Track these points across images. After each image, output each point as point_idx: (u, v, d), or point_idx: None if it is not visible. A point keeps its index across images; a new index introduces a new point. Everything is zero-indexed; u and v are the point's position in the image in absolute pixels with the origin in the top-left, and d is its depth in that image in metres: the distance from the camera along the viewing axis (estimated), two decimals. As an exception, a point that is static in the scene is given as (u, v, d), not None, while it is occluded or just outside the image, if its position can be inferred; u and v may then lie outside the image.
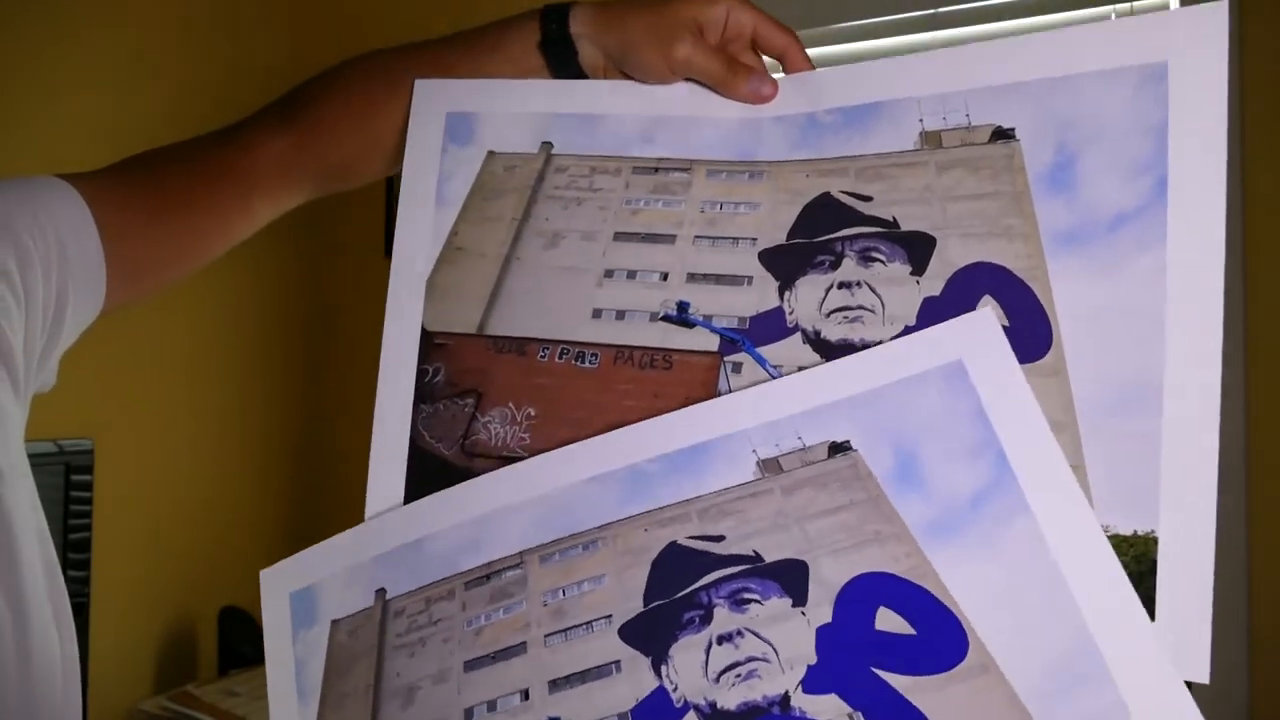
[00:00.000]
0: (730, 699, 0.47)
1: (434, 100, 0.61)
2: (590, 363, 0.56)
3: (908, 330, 0.50)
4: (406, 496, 0.57)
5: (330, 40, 1.87)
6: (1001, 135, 0.50)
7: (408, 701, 0.54)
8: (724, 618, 0.48)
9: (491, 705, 0.52)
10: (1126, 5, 1.36)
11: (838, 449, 0.48)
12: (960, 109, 0.51)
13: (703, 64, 0.55)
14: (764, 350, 0.53)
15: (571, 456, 0.53)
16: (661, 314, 0.55)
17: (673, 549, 0.50)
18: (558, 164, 0.59)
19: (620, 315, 0.56)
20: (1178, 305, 0.44)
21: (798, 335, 0.53)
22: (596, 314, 0.56)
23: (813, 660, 0.46)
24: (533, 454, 0.55)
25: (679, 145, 0.57)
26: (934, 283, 0.50)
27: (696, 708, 0.48)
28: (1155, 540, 0.44)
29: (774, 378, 0.52)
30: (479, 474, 0.56)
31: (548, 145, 0.59)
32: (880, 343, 0.51)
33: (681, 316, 0.55)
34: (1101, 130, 0.47)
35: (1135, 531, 0.45)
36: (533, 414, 0.56)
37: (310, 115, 0.64)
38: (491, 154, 0.60)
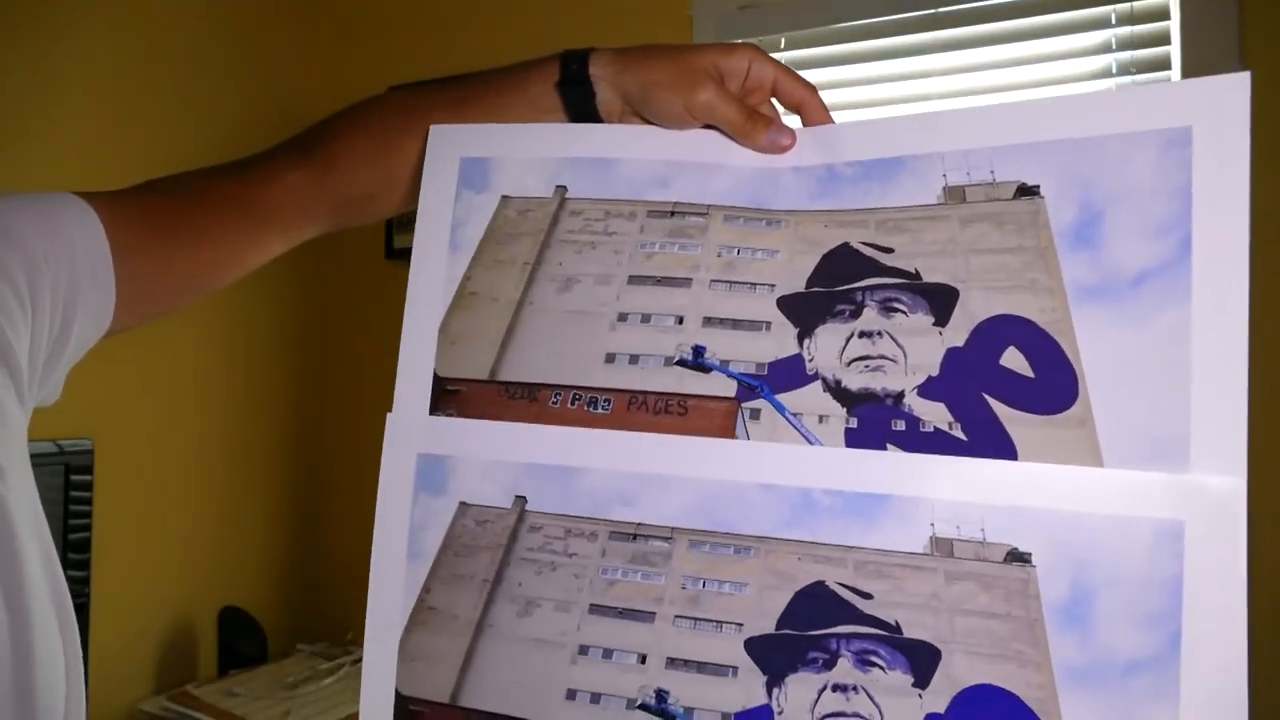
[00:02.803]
0: None
1: (449, 146, 0.60)
2: (603, 409, 0.54)
3: (931, 382, 0.50)
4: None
5: (336, 63, 1.91)
6: (1026, 192, 0.50)
7: (524, 612, 0.54)
8: (845, 670, 0.49)
9: (607, 653, 0.52)
10: (1126, 6, 1.37)
11: (1017, 557, 0.47)
12: (985, 165, 0.51)
13: (724, 110, 0.55)
14: (783, 397, 0.52)
15: (749, 454, 0.52)
16: (677, 358, 0.54)
17: (819, 588, 0.50)
18: (572, 208, 0.58)
19: (634, 360, 0.55)
20: (1203, 360, 0.45)
21: (818, 383, 0.52)
22: (610, 358, 0.55)
23: None
24: None
25: (695, 191, 0.57)
26: (957, 334, 0.50)
27: None
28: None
29: (793, 425, 0.51)
30: (484, 521, 0.54)
31: (562, 189, 0.59)
32: (902, 393, 0.50)
33: (698, 361, 0.54)
34: (1125, 191, 0.48)
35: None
36: None
37: (329, 151, 0.64)
38: (505, 199, 0.59)
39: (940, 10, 1.45)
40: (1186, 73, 1.29)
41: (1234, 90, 0.45)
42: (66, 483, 1.34)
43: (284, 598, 1.88)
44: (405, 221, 1.80)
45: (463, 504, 0.55)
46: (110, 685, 1.50)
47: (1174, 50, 1.34)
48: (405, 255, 1.80)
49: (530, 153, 0.59)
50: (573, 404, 0.55)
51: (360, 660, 1.84)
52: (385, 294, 1.87)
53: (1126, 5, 1.37)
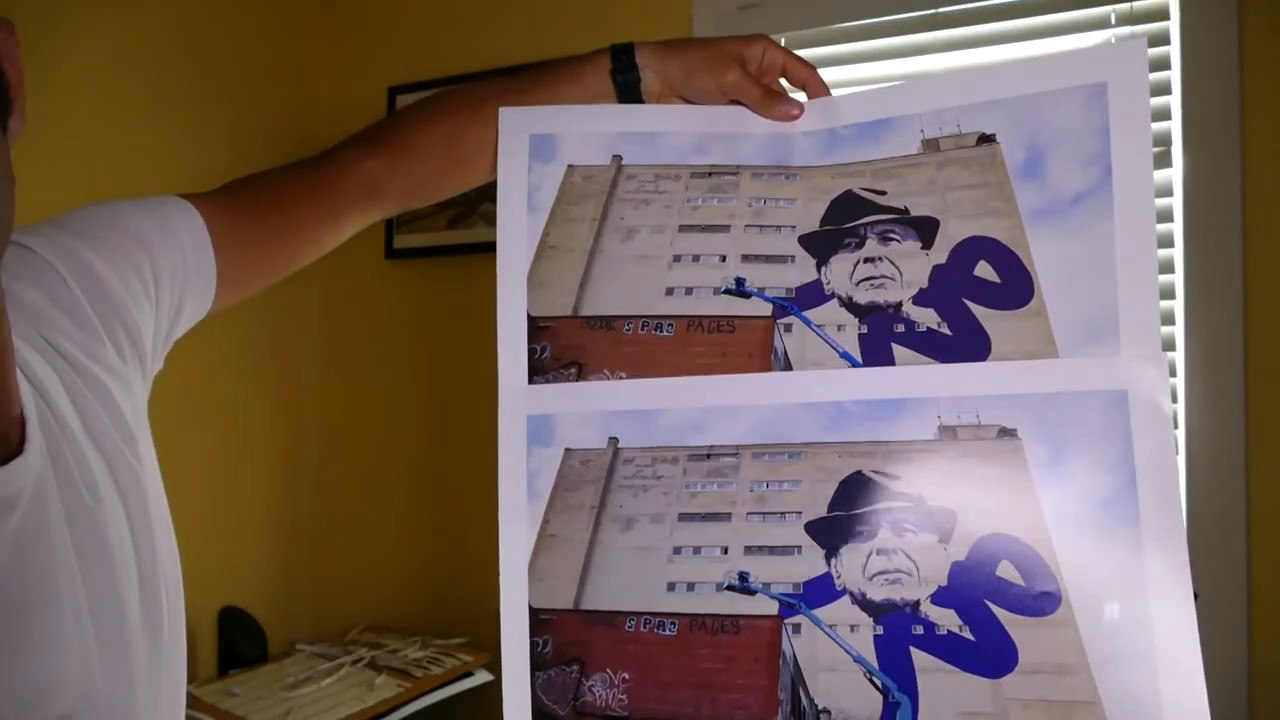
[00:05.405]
0: (877, 594, 0.62)
1: (518, 124, 0.74)
2: (668, 331, 0.69)
3: (922, 293, 0.65)
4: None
5: (339, 68, 1.88)
6: (986, 140, 0.65)
7: (626, 528, 0.68)
8: (885, 537, 0.63)
9: (696, 549, 0.66)
10: (1126, 6, 1.37)
11: (1006, 432, 0.61)
12: (953, 121, 0.66)
13: (747, 89, 0.69)
14: (809, 313, 0.67)
15: (792, 383, 0.66)
16: (723, 288, 0.69)
17: (858, 476, 0.64)
18: (628, 173, 0.72)
19: (689, 291, 0.69)
20: (1124, 260, 0.60)
21: (834, 300, 0.67)
22: (669, 291, 0.70)
23: (944, 583, 0.61)
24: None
25: (727, 154, 0.71)
26: (940, 254, 0.65)
27: (851, 594, 0.63)
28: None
29: (818, 334, 0.66)
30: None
31: (618, 158, 0.73)
32: (900, 303, 0.65)
33: (740, 289, 0.69)
34: (1061, 133, 0.62)
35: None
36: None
37: (401, 139, 0.76)
38: (571, 167, 0.73)
39: (940, 10, 1.47)
40: (1186, 74, 1.34)
41: (1134, 51, 0.60)
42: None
43: (284, 598, 1.86)
44: (405, 221, 1.86)
45: (568, 450, 0.69)
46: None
47: (1173, 50, 1.35)
48: (405, 255, 1.86)
49: (589, 128, 0.73)
50: (643, 329, 0.69)
51: (360, 660, 1.75)
52: (385, 294, 1.90)
53: (1126, 5, 1.37)
